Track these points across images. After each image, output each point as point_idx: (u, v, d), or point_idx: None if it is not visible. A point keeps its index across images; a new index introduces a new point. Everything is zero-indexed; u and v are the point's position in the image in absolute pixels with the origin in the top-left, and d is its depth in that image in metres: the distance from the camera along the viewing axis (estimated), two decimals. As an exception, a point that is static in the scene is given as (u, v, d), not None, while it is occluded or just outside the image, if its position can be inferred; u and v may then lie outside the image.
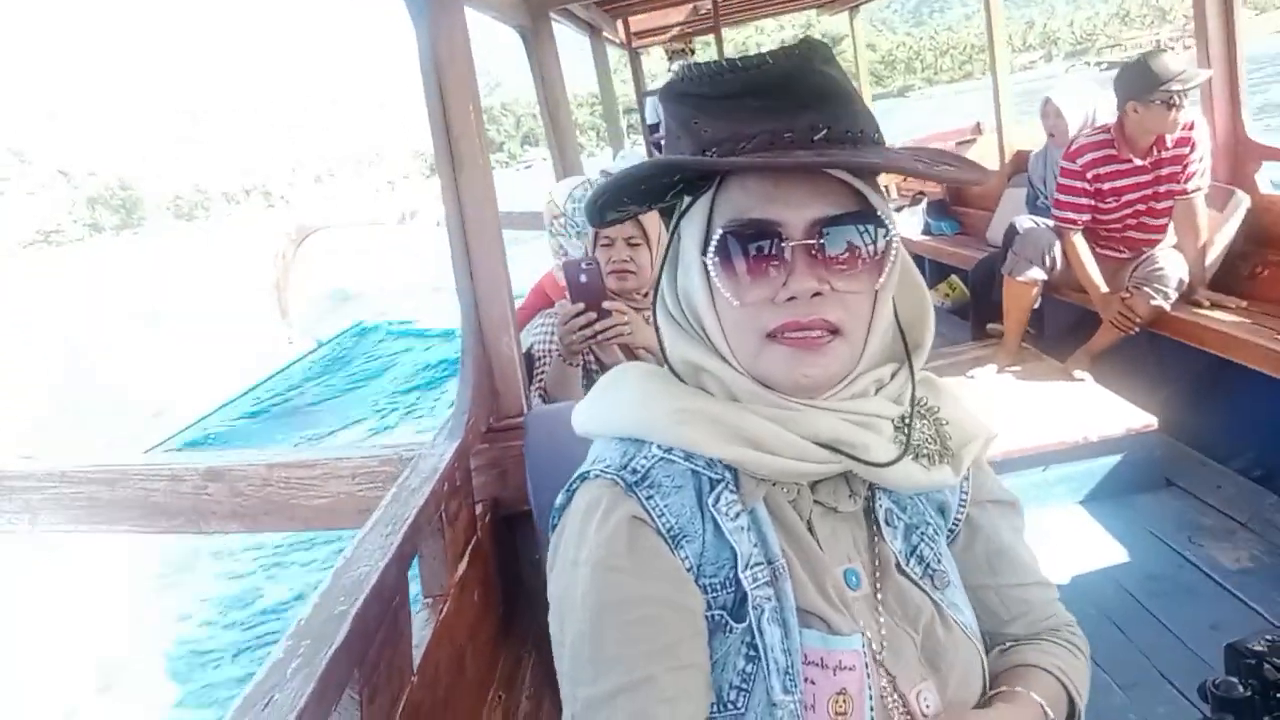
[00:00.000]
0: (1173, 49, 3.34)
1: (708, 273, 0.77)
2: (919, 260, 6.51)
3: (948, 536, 0.91)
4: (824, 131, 0.72)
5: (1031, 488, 3.04)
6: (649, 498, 0.78)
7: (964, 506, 0.92)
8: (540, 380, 2.38)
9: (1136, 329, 3.42)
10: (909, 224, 6.51)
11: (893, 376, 0.85)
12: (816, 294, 0.74)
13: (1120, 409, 3.14)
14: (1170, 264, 3.36)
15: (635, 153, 6.03)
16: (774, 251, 0.74)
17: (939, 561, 0.86)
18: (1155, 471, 3.06)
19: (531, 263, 3.62)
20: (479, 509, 1.83)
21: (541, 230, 3.30)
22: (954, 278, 5.84)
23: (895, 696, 0.78)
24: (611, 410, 0.86)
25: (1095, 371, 3.52)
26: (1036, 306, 3.93)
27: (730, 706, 0.75)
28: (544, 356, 2.51)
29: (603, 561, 0.75)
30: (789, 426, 0.77)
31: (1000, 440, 3.07)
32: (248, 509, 1.94)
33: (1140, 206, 3.50)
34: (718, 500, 0.78)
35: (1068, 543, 2.82)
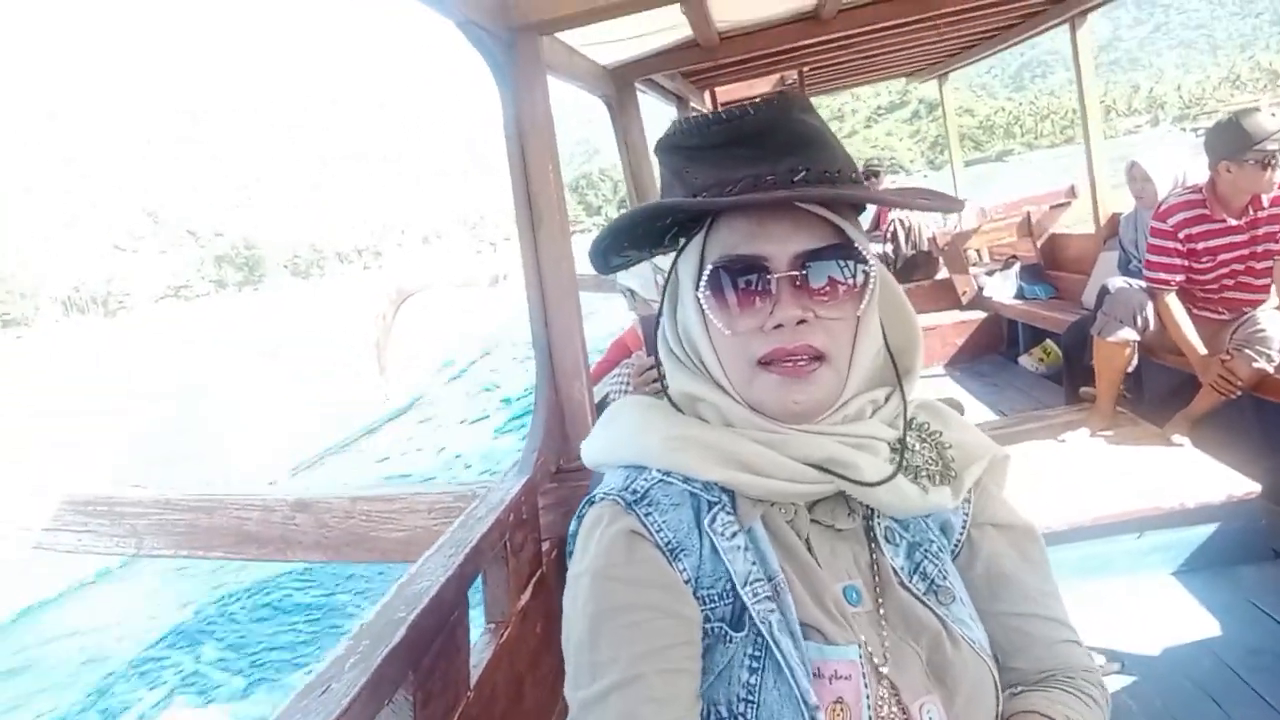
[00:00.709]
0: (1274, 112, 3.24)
1: (701, 306, 0.83)
2: (1012, 325, 6.38)
3: (952, 555, 0.92)
4: (803, 173, 0.79)
5: (1125, 555, 2.91)
6: (647, 515, 0.83)
7: (966, 527, 0.92)
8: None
9: (1238, 393, 3.27)
10: (1001, 288, 6.39)
11: (887, 400, 0.88)
12: (801, 321, 0.79)
13: (1221, 475, 2.99)
14: (1273, 325, 3.22)
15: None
16: (760, 284, 0.80)
17: (944, 578, 0.87)
18: (1259, 541, 2.89)
19: (617, 320, 3.75)
20: (545, 545, 1.88)
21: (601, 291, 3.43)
22: (1048, 342, 5.69)
23: (896, 708, 0.78)
24: (613, 441, 0.91)
25: (1195, 437, 3.37)
26: (1132, 370, 3.79)
27: (738, 719, 0.76)
28: (618, 406, 2.58)
29: (601, 571, 0.80)
30: (782, 449, 0.81)
31: (1091, 505, 2.99)
32: (331, 540, 2.05)
33: (1238, 266, 3.38)
34: (713, 521, 0.82)
35: (1161, 613, 2.68)
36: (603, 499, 0.86)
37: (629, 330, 3.52)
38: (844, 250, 0.81)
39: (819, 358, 0.80)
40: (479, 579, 1.51)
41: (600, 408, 2.53)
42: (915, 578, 0.86)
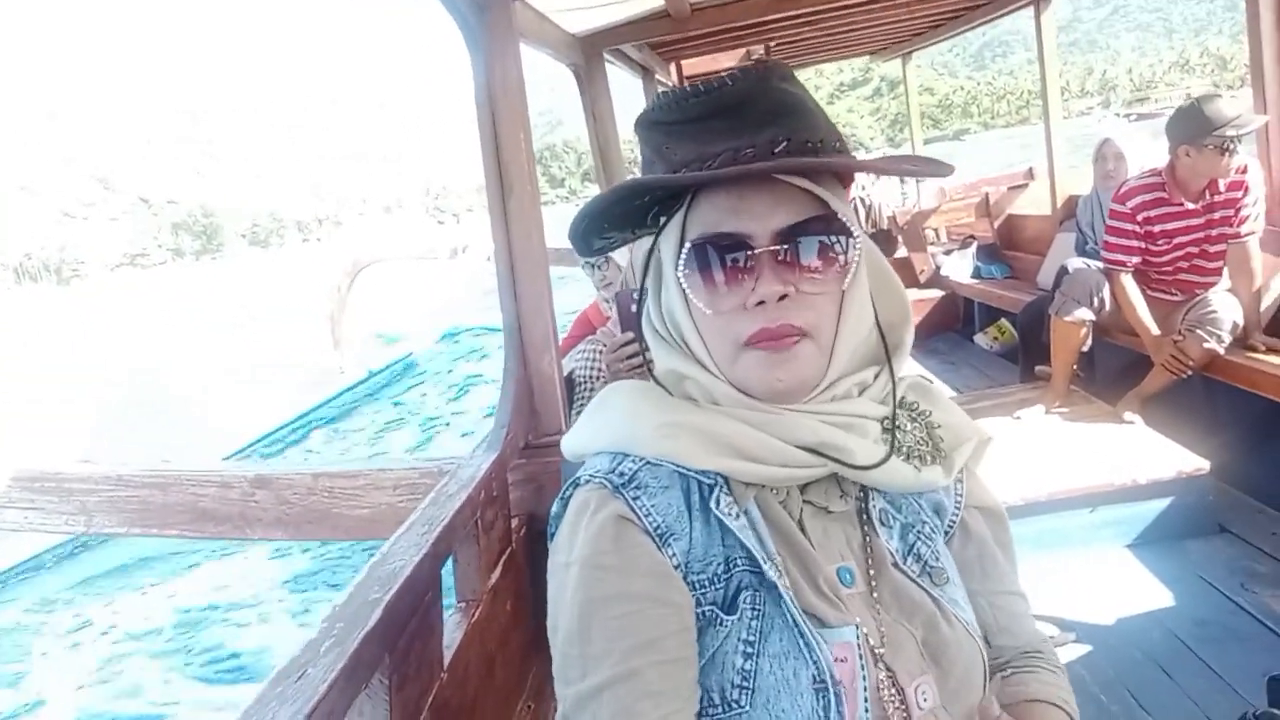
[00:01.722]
0: (1231, 94, 3.30)
1: (681, 285, 0.81)
2: (969, 304, 6.47)
3: (944, 536, 0.92)
4: (784, 144, 0.77)
5: (1078, 530, 2.98)
6: (635, 498, 0.80)
7: (959, 509, 0.93)
8: (580, 405, 2.42)
9: (1189, 372, 3.35)
10: (959, 267, 6.48)
11: (875, 378, 0.87)
12: (783, 297, 0.77)
13: (1171, 452, 3.07)
14: (1224, 307, 3.30)
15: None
16: (741, 260, 0.78)
17: (937, 559, 0.86)
18: (1207, 517, 2.98)
19: (582, 296, 3.72)
20: (515, 522, 1.86)
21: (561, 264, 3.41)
22: (1003, 321, 5.79)
23: (893, 690, 0.77)
24: (600, 429, 0.88)
25: (1146, 415, 3.45)
26: (1086, 349, 3.86)
27: (734, 706, 0.75)
28: (585, 383, 2.56)
29: (589, 559, 0.77)
30: (771, 431, 0.79)
31: (1046, 481, 3.05)
32: (292, 517, 2.00)
33: (1192, 249, 3.45)
34: (718, 503, 0.80)
35: (1113, 586, 2.75)
36: (589, 481, 0.83)
37: (592, 305, 3.49)
38: (827, 223, 0.79)
39: (802, 333, 0.78)
40: (450, 558, 1.49)
41: (568, 384, 2.50)
42: (909, 559, 0.85)
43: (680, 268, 0.80)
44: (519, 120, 2.19)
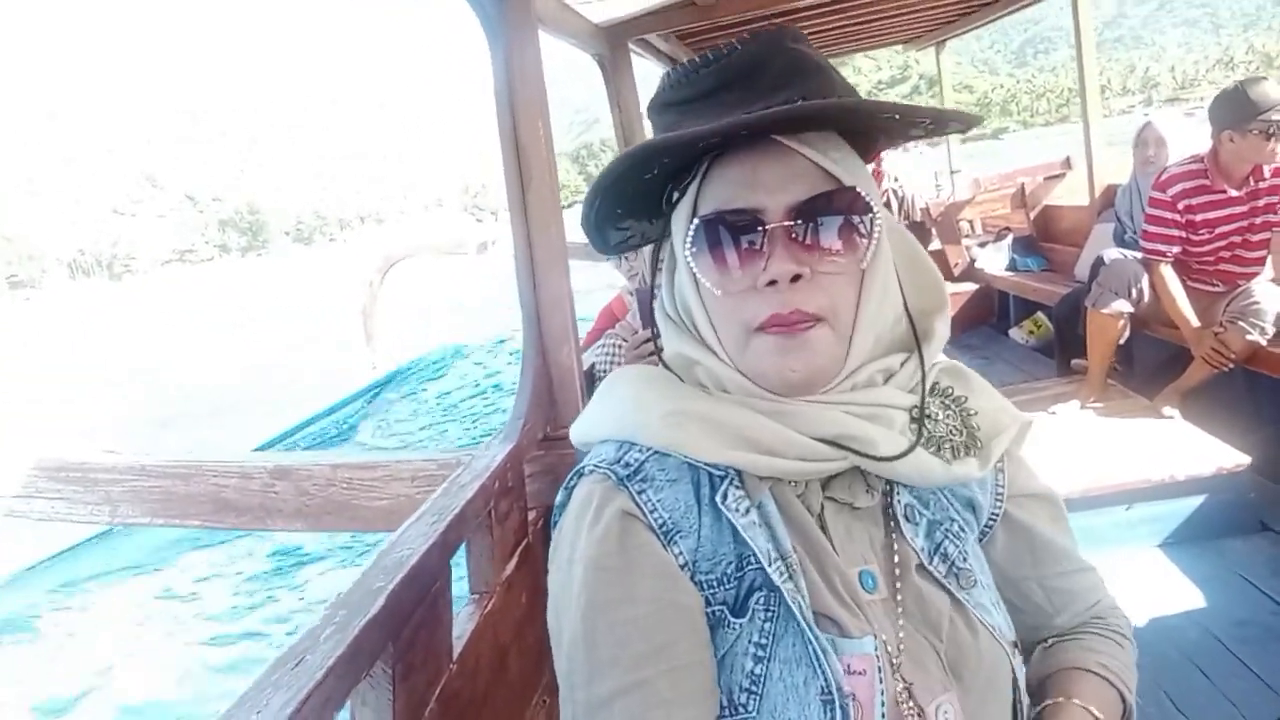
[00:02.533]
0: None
1: (690, 265, 0.77)
2: (1004, 297, 6.35)
3: (980, 535, 0.87)
4: (797, 103, 0.71)
5: (1113, 527, 2.91)
6: (641, 492, 0.76)
7: (1000, 502, 0.87)
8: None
9: (1230, 365, 3.26)
10: (994, 260, 6.37)
11: (903, 365, 0.81)
12: (796, 277, 0.72)
13: (1210, 447, 2.98)
14: (1267, 298, 3.20)
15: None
16: (751, 237, 0.73)
17: (965, 560, 0.81)
18: (1248, 514, 2.89)
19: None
20: (532, 515, 1.84)
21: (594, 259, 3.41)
22: (1039, 314, 5.67)
23: (911, 705, 0.73)
24: (605, 416, 0.84)
25: (1185, 410, 3.36)
26: (1124, 342, 3.77)
27: (740, 710, 0.71)
28: (604, 374, 2.54)
29: (594, 560, 0.74)
30: (789, 423, 0.75)
31: (1081, 477, 2.98)
32: (311, 508, 2.00)
33: (1235, 239, 3.35)
34: (725, 497, 0.76)
35: (1149, 584, 2.68)
36: (593, 471, 0.79)
37: (616, 298, 3.47)
38: (845, 198, 0.74)
39: (816, 319, 0.73)
40: (462, 549, 1.47)
41: (588, 377, 2.49)
42: (935, 559, 0.80)
43: (688, 245, 0.76)
44: (538, 110, 2.16)
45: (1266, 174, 3.19)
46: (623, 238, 0.89)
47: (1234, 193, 3.26)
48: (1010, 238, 6.38)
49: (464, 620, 1.42)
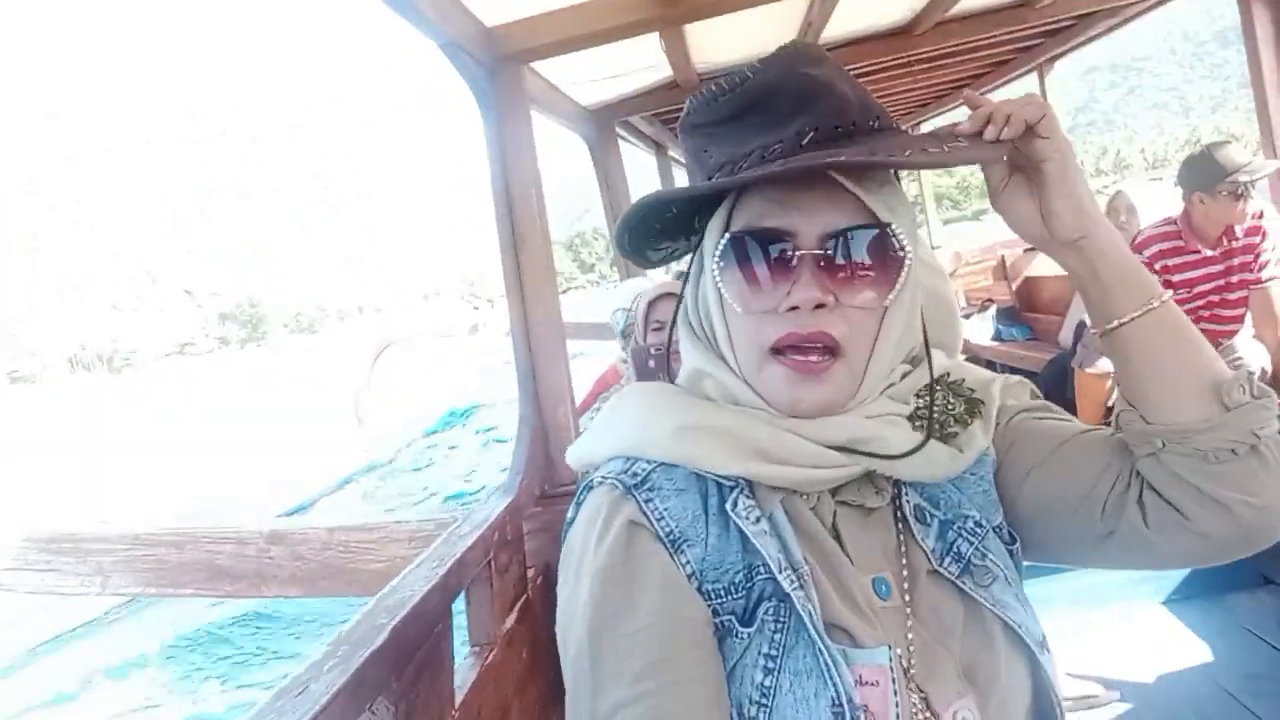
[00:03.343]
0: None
1: (715, 279, 0.77)
2: (991, 366, 6.42)
3: (997, 531, 0.83)
4: (811, 134, 0.72)
5: (1114, 586, 2.88)
6: (648, 500, 0.76)
7: (997, 463, 0.85)
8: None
9: (1219, 421, 3.28)
10: (979, 330, 6.46)
11: (903, 378, 0.81)
12: (820, 305, 0.72)
13: (1206, 503, 2.98)
14: (1251, 353, 3.25)
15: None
16: (780, 259, 0.73)
17: (982, 557, 0.79)
18: (1250, 568, 2.87)
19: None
20: (531, 571, 1.82)
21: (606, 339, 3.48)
22: (1025, 379, 5.71)
23: (928, 715, 0.71)
24: (608, 436, 0.83)
25: (1178, 467, 3.37)
26: (1111, 404, 3.80)
27: None
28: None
29: (600, 572, 0.73)
30: (799, 431, 0.75)
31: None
32: (307, 573, 1.97)
33: (1214, 297, 3.42)
34: (735, 505, 0.75)
35: (1156, 641, 2.64)
36: (601, 483, 0.78)
37: (610, 369, 3.50)
38: (879, 233, 0.74)
39: (833, 351, 0.73)
40: (462, 599, 1.46)
41: (584, 438, 2.49)
42: (948, 559, 0.78)
43: (717, 259, 0.76)
44: (530, 177, 2.24)
45: (1239, 234, 3.28)
46: (662, 255, 0.90)
47: (1208, 252, 3.34)
48: (994, 308, 6.49)
49: (465, 670, 1.40)
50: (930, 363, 0.82)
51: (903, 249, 0.74)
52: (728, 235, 0.75)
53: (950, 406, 0.81)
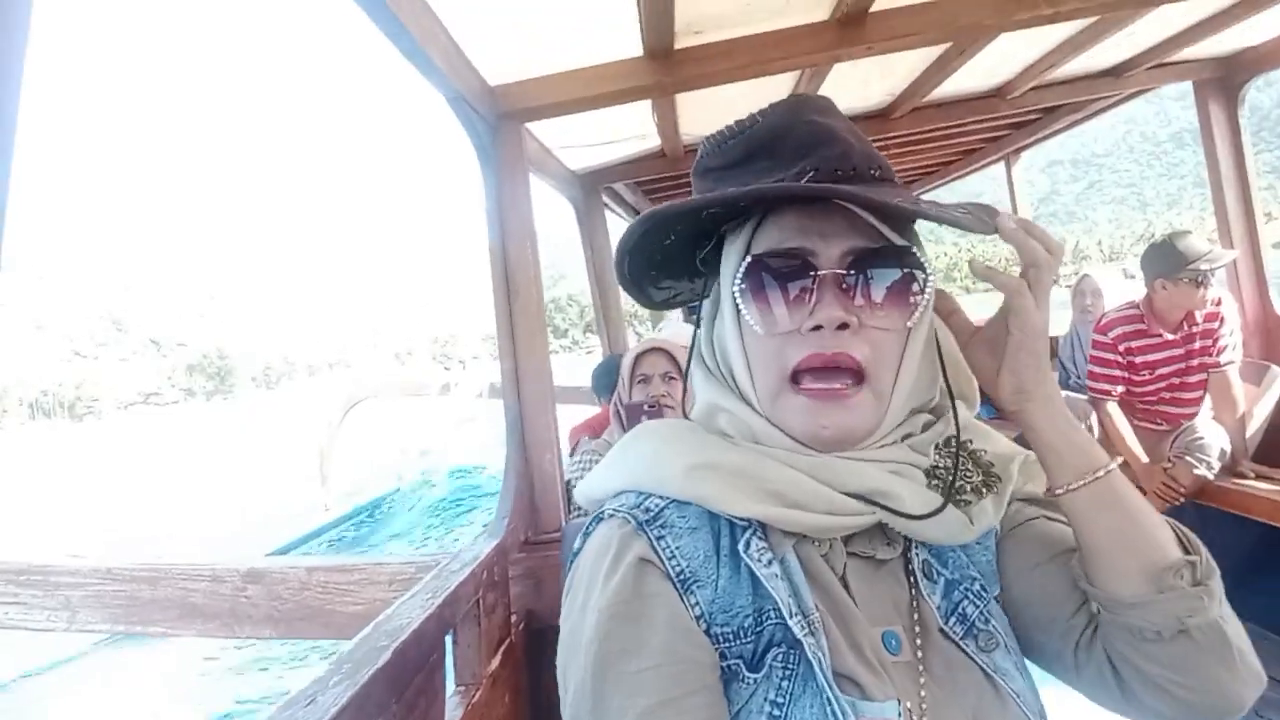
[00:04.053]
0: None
1: (736, 302, 0.76)
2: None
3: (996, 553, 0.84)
4: (810, 174, 0.74)
5: (1081, 660, 2.90)
6: (660, 538, 0.75)
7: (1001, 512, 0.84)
8: (578, 513, 2.41)
9: (1181, 500, 3.36)
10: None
11: (924, 429, 0.80)
12: (843, 325, 0.72)
13: (1169, 578, 3.03)
14: (1211, 434, 3.35)
15: (678, 324, 6.26)
16: (802, 280, 0.73)
17: (986, 622, 0.78)
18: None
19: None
20: (514, 616, 1.82)
21: (591, 405, 3.55)
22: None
23: None
24: (620, 473, 0.82)
25: (1140, 544, 3.43)
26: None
27: None
28: (581, 491, 2.56)
29: (608, 609, 0.71)
30: (817, 475, 0.74)
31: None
32: (283, 614, 1.94)
33: (1175, 380, 3.54)
34: (748, 546, 0.74)
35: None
36: (613, 515, 0.77)
37: (601, 411, 3.52)
38: (899, 253, 0.74)
39: (858, 375, 0.73)
40: (449, 638, 1.45)
41: (567, 492, 2.50)
42: (953, 619, 0.77)
43: (737, 283, 0.75)
44: (526, 233, 2.30)
45: (1199, 319, 3.41)
46: (665, 296, 0.90)
47: (1169, 336, 3.47)
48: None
49: (452, 708, 1.39)
50: (956, 416, 0.81)
51: (924, 271, 0.75)
52: (749, 257, 0.75)
53: (968, 474, 0.80)
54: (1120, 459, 0.78)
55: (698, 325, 0.87)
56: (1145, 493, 3.48)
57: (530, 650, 1.84)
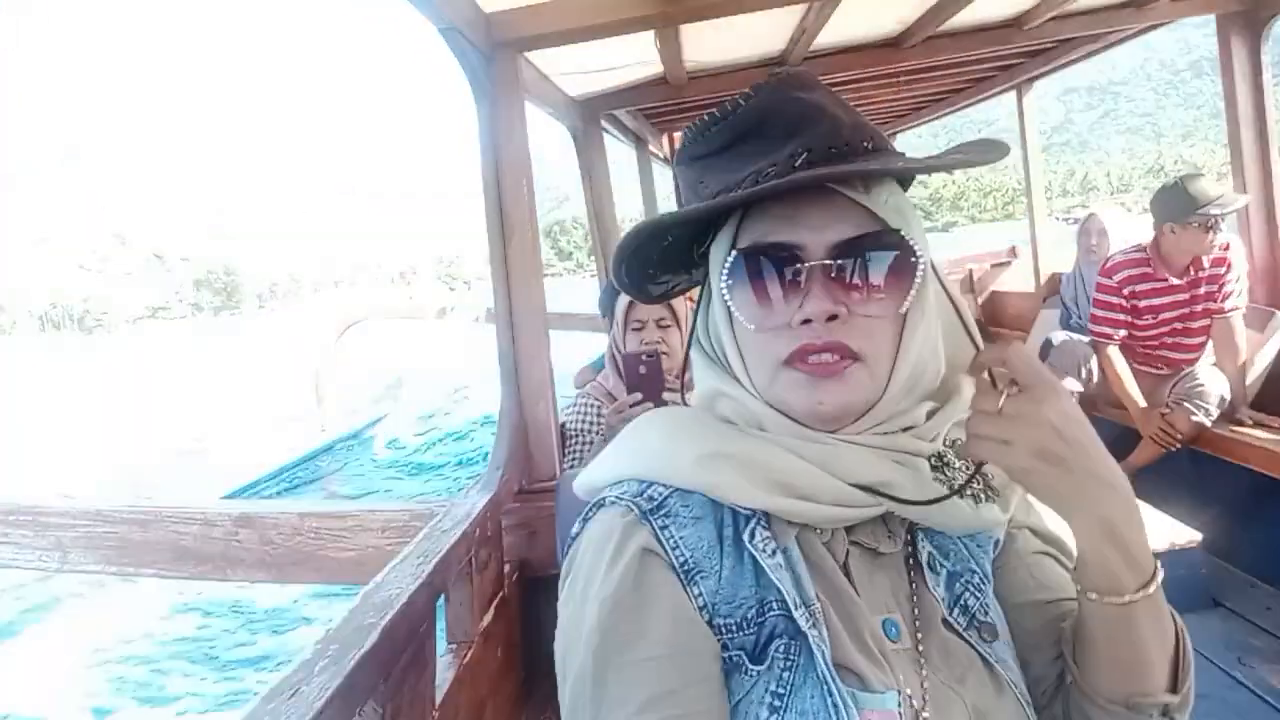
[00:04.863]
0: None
1: (725, 298, 0.75)
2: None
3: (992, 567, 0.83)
4: (804, 155, 0.71)
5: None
6: (663, 527, 0.74)
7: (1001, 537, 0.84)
8: (572, 457, 2.39)
9: (1178, 445, 3.37)
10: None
11: (929, 417, 0.79)
12: (833, 317, 0.70)
13: (1162, 524, 3.05)
14: (1211, 381, 3.33)
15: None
16: (789, 273, 0.72)
17: (986, 613, 0.78)
18: (1201, 591, 2.95)
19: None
20: (507, 568, 1.81)
21: (597, 330, 3.46)
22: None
23: None
24: (628, 458, 0.81)
25: (1135, 488, 3.42)
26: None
27: None
28: (577, 435, 2.53)
29: (610, 599, 0.70)
30: (826, 466, 0.73)
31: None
32: (275, 558, 1.93)
33: (1177, 325, 3.50)
34: (753, 536, 0.73)
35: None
36: (615, 503, 0.76)
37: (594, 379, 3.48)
38: (888, 238, 0.72)
39: (852, 356, 0.71)
40: (442, 597, 1.44)
41: (561, 436, 2.48)
42: (955, 610, 0.77)
43: (724, 277, 0.74)
44: (521, 168, 2.22)
45: (1205, 264, 3.35)
46: (663, 289, 0.89)
47: (1175, 281, 3.41)
48: (960, 322, 6.58)
49: (444, 669, 1.39)
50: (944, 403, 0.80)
51: (915, 254, 0.72)
52: (734, 252, 0.74)
53: (971, 481, 0.78)
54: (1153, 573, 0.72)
55: (696, 310, 0.85)
56: (1141, 438, 3.49)
57: (524, 601, 1.85)
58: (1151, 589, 0.69)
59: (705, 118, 0.77)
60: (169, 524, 1.99)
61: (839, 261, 0.71)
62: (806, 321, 0.71)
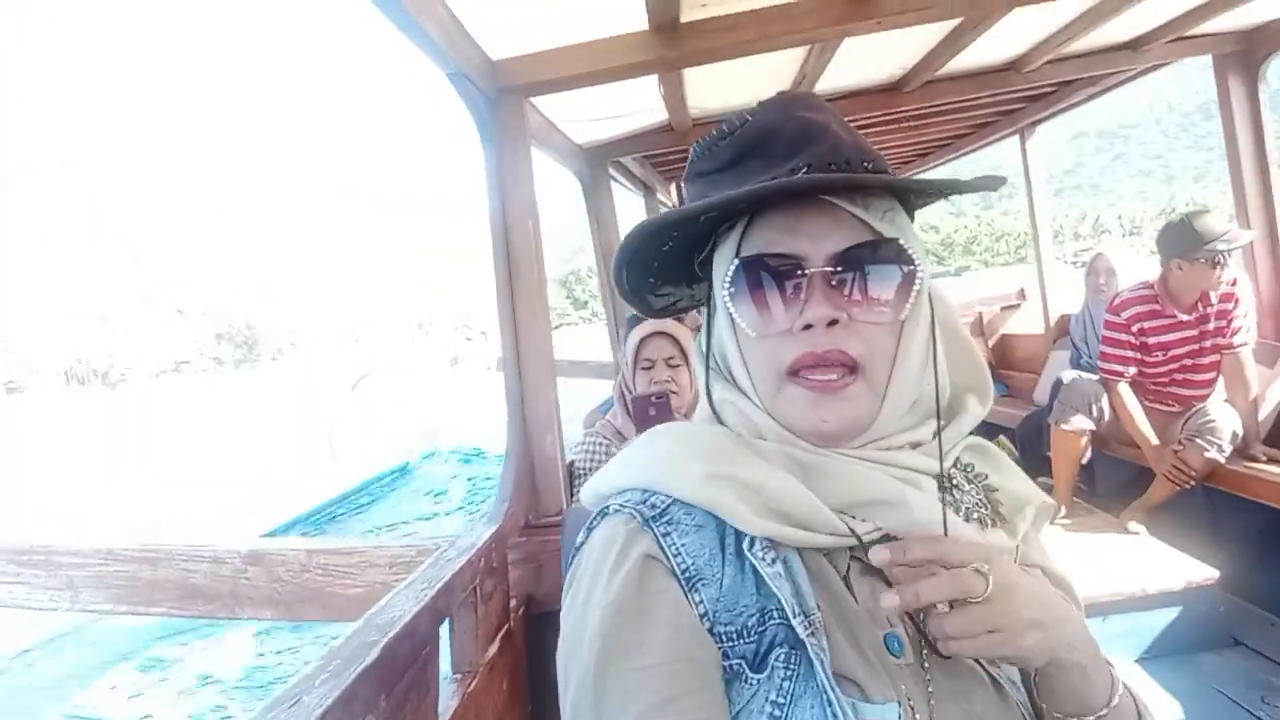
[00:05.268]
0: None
1: (727, 307, 0.77)
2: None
3: None
4: (804, 170, 0.73)
5: (1088, 642, 2.89)
6: (666, 534, 0.74)
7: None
8: (579, 495, 2.39)
9: (1192, 483, 3.33)
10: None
11: (934, 436, 0.79)
12: (833, 322, 0.72)
13: (1179, 562, 3.01)
14: (1222, 417, 3.31)
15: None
16: (790, 281, 0.74)
17: None
18: (1220, 629, 2.89)
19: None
20: (513, 601, 1.81)
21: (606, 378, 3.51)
22: (1002, 437, 5.72)
23: None
24: (633, 470, 0.82)
25: (1150, 526, 3.41)
26: (1086, 461, 3.85)
27: None
28: (586, 474, 2.54)
29: (611, 605, 0.71)
30: (828, 486, 0.74)
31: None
32: (284, 595, 1.94)
33: (1187, 361, 3.49)
34: (753, 545, 0.73)
35: (1129, 698, 2.65)
36: (618, 511, 0.77)
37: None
38: (886, 248, 0.74)
39: (852, 369, 0.73)
40: (446, 625, 1.44)
41: (569, 474, 2.49)
42: None
43: (726, 286, 0.76)
44: (527, 209, 2.26)
45: (1214, 300, 3.36)
46: (665, 303, 0.90)
47: (1184, 317, 3.42)
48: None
49: (447, 697, 1.38)
50: (939, 420, 0.80)
51: (912, 264, 0.74)
52: (737, 261, 0.76)
53: (977, 505, 0.81)
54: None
55: (704, 326, 0.87)
56: (1153, 476, 3.46)
57: (530, 636, 1.84)
58: (1115, 700, 0.73)
59: (713, 132, 0.80)
60: (178, 562, 2.00)
61: (838, 270, 0.73)
62: (808, 327, 0.72)
